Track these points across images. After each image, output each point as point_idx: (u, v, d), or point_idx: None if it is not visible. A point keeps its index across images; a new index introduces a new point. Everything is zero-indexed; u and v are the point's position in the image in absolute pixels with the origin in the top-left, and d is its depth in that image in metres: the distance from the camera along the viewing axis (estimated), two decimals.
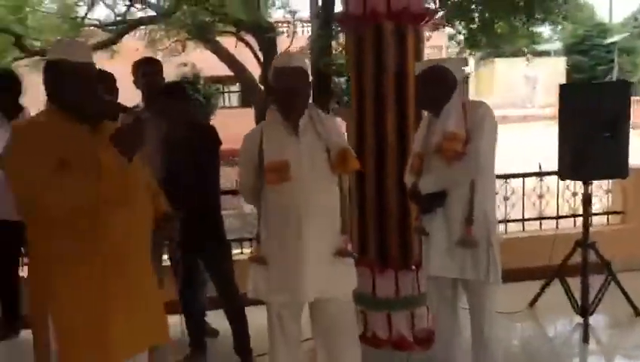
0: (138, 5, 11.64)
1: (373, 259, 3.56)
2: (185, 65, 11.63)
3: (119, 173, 1.95)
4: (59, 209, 1.94)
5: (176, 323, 3.03)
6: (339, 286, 2.80)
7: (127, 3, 11.51)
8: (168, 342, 2.33)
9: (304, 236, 2.66)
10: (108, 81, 3.60)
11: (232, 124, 8.83)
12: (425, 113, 3.11)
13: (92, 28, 10.86)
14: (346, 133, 3.29)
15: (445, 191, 2.87)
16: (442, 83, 2.87)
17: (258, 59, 11.03)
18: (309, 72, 2.81)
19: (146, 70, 3.80)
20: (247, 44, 11.00)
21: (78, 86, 2.09)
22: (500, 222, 4.58)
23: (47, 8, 10.85)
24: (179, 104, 3.44)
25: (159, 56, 11.72)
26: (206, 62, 12.84)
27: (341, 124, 2.99)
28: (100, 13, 11.39)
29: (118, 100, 2.98)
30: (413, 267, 3.51)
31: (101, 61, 12.15)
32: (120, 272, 2.07)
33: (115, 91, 3.70)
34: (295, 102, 2.67)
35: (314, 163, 2.68)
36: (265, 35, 10.72)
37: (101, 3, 11.51)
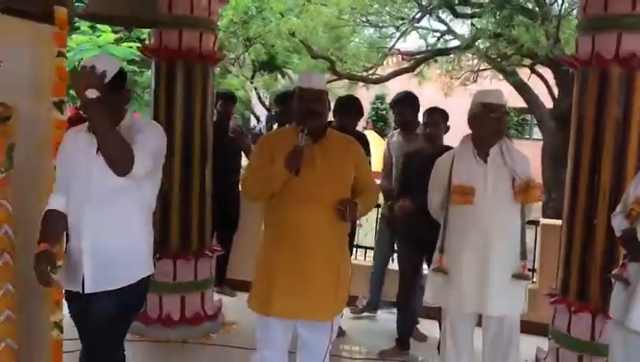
0: (447, 36, 12.48)
1: (572, 299, 3.59)
2: None
3: (291, 180, 2.67)
4: (247, 194, 2.81)
5: None
6: (513, 305, 3.07)
7: (438, 34, 12.47)
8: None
9: (484, 255, 3.00)
10: (353, 104, 4.50)
11: None
12: None
13: (398, 56, 12.10)
14: None
15: None
16: None
17: (551, 92, 10.86)
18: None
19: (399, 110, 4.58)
20: (542, 77, 10.93)
21: (298, 105, 2.83)
22: None
23: (365, 38, 12.41)
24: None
25: (455, 85, 12.42)
26: None
27: None
28: (413, 44, 12.71)
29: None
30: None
31: (409, 85, 13.37)
32: (291, 252, 2.75)
33: (359, 112, 4.52)
34: (490, 136, 3.03)
35: (498, 190, 3.00)
36: (561, 67, 10.49)
37: (413, 34, 12.68)
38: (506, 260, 3.03)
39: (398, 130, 4.72)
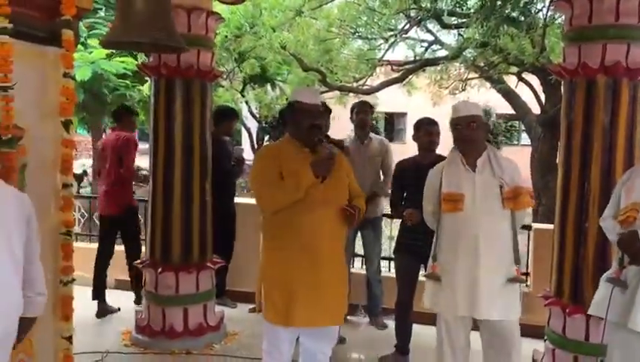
0: (435, 46, 12.64)
1: (566, 301, 3.69)
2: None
3: (313, 187, 2.74)
4: (268, 207, 2.84)
5: None
6: (507, 310, 3.15)
7: (426, 45, 12.62)
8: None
9: (474, 261, 3.09)
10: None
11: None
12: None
13: (387, 66, 12.23)
14: None
15: None
16: None
17: (538, 98, 11.04)
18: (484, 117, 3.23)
19: (358, 110, 4.87)
20: (528, 84, 11.11)
21: (300, 120, 2.92)
22: None
23: (354, 49, 12.53)
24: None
25: (444, 94, 12.56)
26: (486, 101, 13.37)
27: None
28: (402, 54, 12.81)
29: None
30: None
31: (398, 95, 13.38)
32: (308, 260, 2.82)
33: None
34: (471, 148, 3.15)
35: (487, 197, 3.10)
36: (548, 77, 10.65)
37: (401, 44, 12.83)
38: (497, 265, 3.12)
39: (354, 135, 4.95)
